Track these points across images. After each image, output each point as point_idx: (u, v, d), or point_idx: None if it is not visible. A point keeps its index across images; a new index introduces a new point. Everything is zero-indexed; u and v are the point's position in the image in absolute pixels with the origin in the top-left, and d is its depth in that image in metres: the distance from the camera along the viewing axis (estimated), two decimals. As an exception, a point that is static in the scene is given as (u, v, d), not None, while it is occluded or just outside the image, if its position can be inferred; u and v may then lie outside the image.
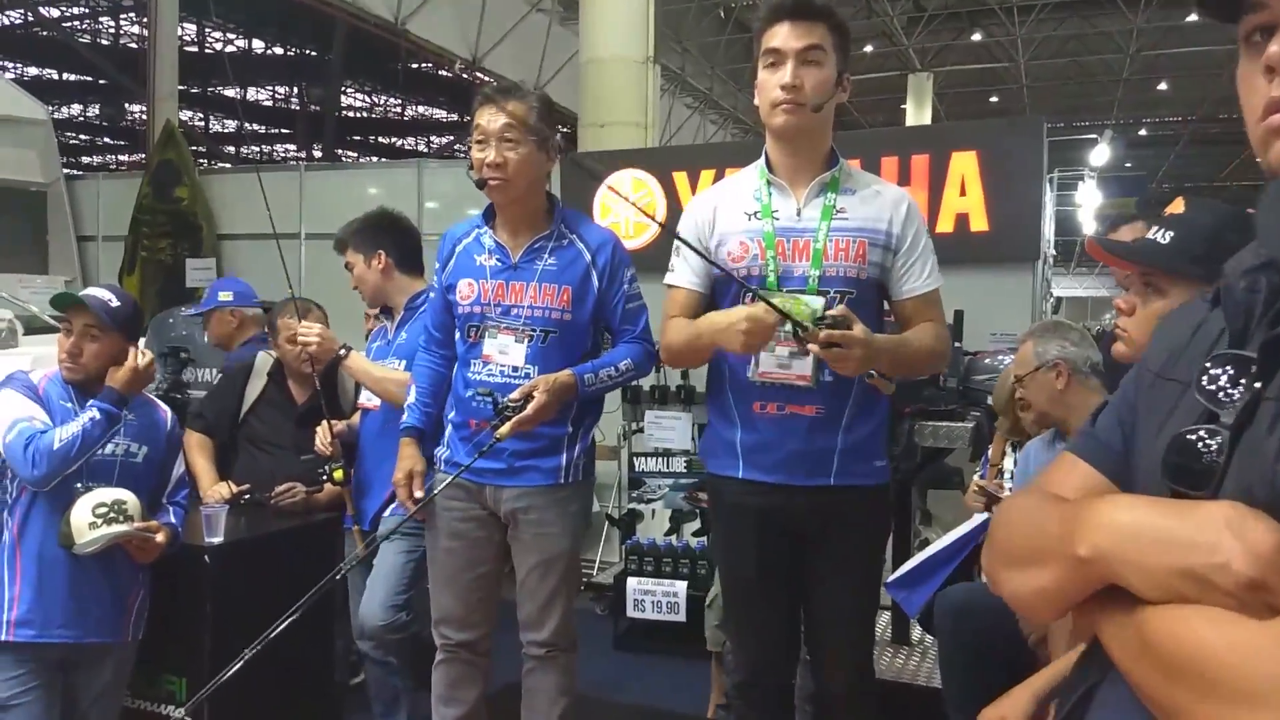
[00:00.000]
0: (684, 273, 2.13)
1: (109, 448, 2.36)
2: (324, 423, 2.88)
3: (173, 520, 2.48)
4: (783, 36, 1.95)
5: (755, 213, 2.05)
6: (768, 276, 2.01)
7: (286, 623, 1.69)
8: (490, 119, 2.24)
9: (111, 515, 2.25)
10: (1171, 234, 1.31)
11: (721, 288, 2.11)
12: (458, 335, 2.40)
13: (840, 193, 2.04)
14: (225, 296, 3.84)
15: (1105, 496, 0.85)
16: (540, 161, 2.31)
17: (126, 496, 2.30)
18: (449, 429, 2.41)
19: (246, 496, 3.01)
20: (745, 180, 2.13)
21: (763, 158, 2.10)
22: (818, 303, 1.96)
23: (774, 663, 2.17)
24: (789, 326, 1.86)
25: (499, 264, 2.34)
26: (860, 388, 2.01)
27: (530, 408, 2.18)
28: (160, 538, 2.38)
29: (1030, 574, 0.87)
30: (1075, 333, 2.57)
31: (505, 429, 2.17)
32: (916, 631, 3.56)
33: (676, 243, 2.12)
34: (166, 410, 2.57)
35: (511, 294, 2.31)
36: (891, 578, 2.90)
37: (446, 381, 2.44)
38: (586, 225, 2.43)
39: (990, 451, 3.06)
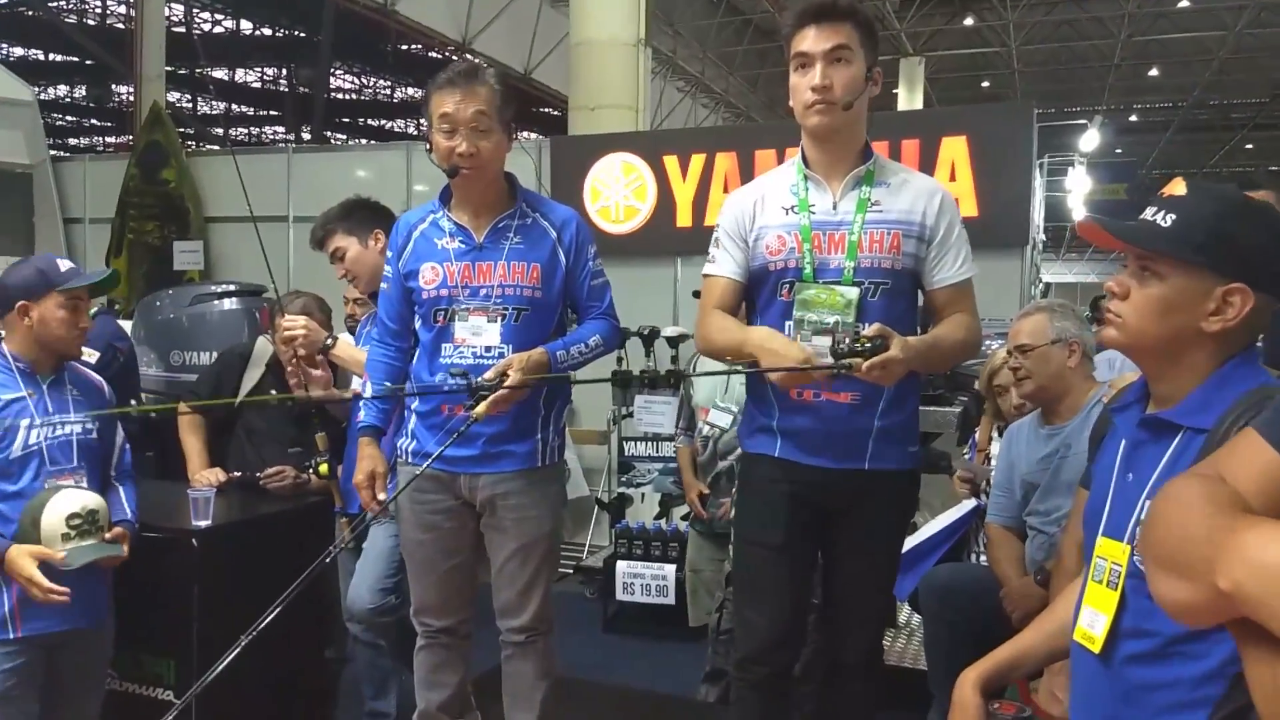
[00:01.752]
0: (726, 263, 2.17)
1: (66, 427, 2.33)
2: (320, 434, 2.88)
3: (126, 510, 2.44)
4: (810, 40, 2.01)
5: (792, 207, 2.10)
6: (804, 269, 2.07)
7: (280, 606, 1.69)
8: (459, 106, 2.22)
9: (85, 527, 2.21)
10: (1173, 217, 1.28)
11: (757, 280, 2.15)
12: (419, 323, 2.37)
13: (875, 185, 2.09)
14: None
15: (1257, 525, 0.79)
16: (505, 144, 2.31)
17: (97, 504, 2.26)
18: (413, 420, 2.38)
19: (237, 474, 3.00)
20: (783, 175, 2.18)
21: (799, 154, 2.15)
22: (853, 293, 2.03)
23: (784, 637, 2.18)
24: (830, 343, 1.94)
25: (463, 245, 2.32)
26: None
27: (505, 385, 2.17)
28: (124, 549, 2.35)
29: (1174, 583, 0.83)
30: (1079, 319, 2.60)
31: (481, 408, 2.14)
32: (903, 615, 3.59)
33: (716, 233, 2.19)
34: (100, 379, 2.53)
35: (479, 274, 2.30)
36: None
37: (404, 375, 2.41)
38: (547, 204, 2.44)
39: (977, 435, 3.08)
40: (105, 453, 2.47)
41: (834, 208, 2.09)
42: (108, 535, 2.30)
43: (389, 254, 2.41)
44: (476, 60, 2.45)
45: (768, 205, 2.14)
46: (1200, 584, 0.78)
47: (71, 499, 2.23)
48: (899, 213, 2.07)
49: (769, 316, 2.14)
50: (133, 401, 3.61)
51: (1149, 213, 1.31)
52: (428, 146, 2.33)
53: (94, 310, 3.48)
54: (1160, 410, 1.31)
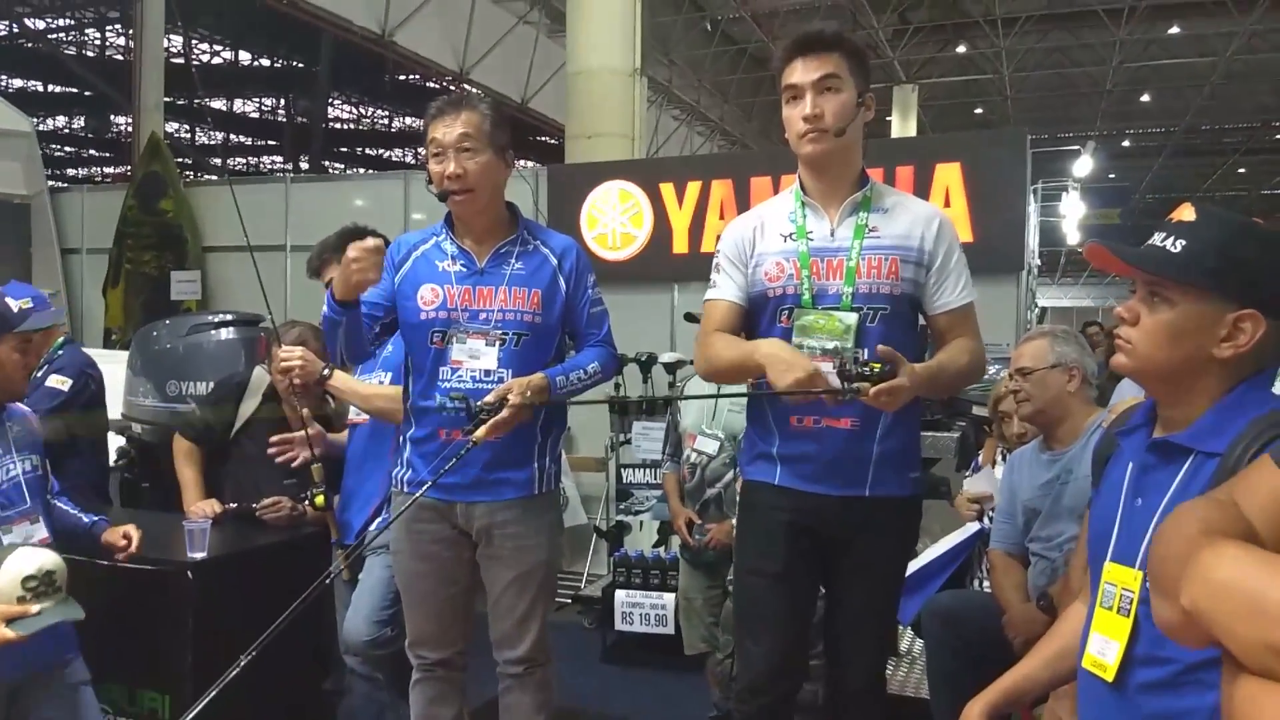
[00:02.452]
0: (728, 287, 2.18)
1: (19, 466, 2.29)
2: (316, 466, 2.86)
3: (82, 517, 2.51)
4: (799, 71, 2.04)
5: (790, 234, 2.12)
6: (803, 295, 2.08)
7: (276, 631, 1.67)
8: (445, 131, 2.24)
9: (41, 589, 2.11)
10: (1183, 243, 1.27)
11: (756, 307, 2.15)
12: (412, 349, 2.36)
13: (872, 211, 2.10)
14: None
15: (1215, 544, 0.80)
16: (499, 168, 2.32)
17: (54, 564, 2.15)
18: (408, 449, 2.37)
19: (233, 505, 2.99)
20: (782, 203, 2.19)
21: (797, 182, 2.17)
22: (851, 319, 2.05)
23: (784, 667, 2.16)
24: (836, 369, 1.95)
25: (464, 269, 2.33)
26: None
27: (506, 409, 2.16)
28: (135, 540, 2.40)
29: (1159, 602, 0.84)
30: (1081, 344, 2.60)
31: (481, 431, 2.14)
32: (905, 642, 3.57)
33: (716, 259, 2.20)
34: (26, 408, 2.49)
35: (479, 298, 2.30)
36: None
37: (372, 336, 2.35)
38: (547, 232, 2.46)
39: (981, 458, 3.08)
40: (46, 483, 2.45)
41: (831, 234, 2.10)
42: (121, 543, 2.32)
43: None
44: (475, 90, 2.45)
45: (767, 232, 2.15)
46: (1174, 603, 0.79)
47: (27, 560, 2.12)
48: (896, 238, 2.08)
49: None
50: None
51: (1158, 238, 1.30)
52: (428, 178, 2.34)
53: (61, 340, 3.47)
54: (1170, 434, 1.30)
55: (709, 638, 3.37)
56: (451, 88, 12.60)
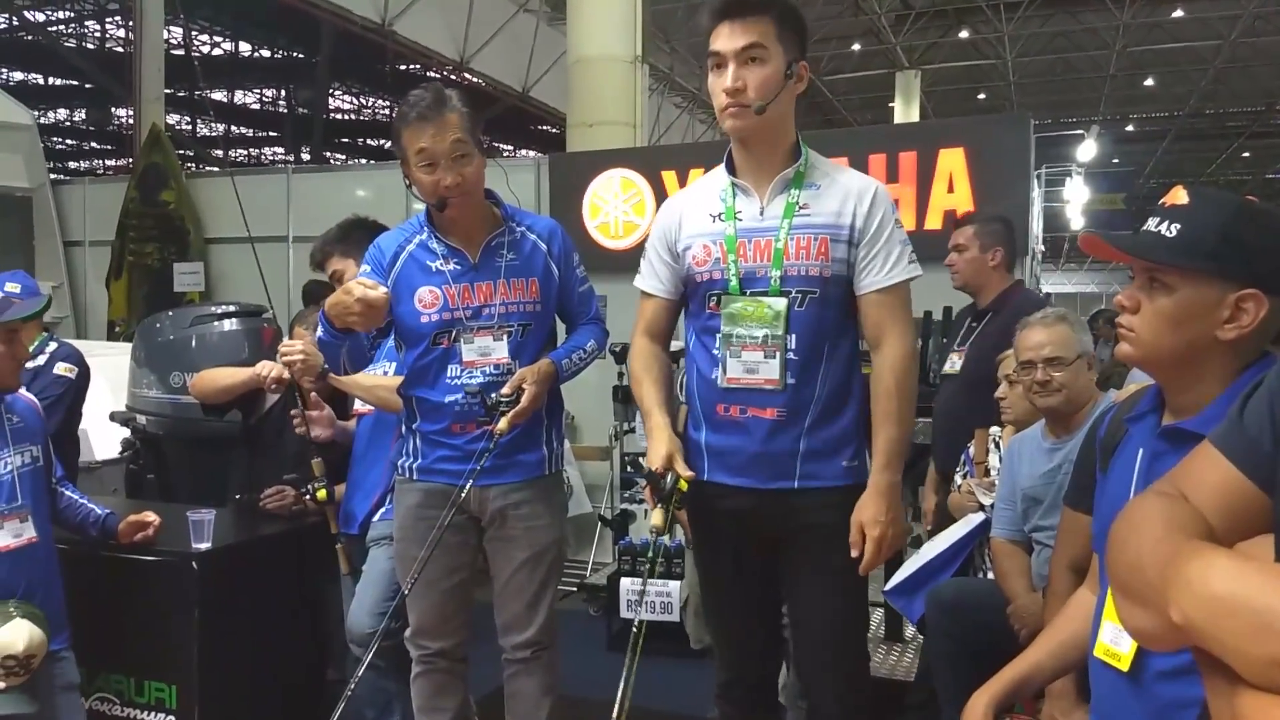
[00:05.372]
0: (650, 278, 2.12)
1: (15, 460, 2.30)
2: (317, 460, 2.86)
3: (93, 507, 2.52)
4: (724, 38, 1.90)
5: (719, 214, 2.01)
6: (730, 281, 1.97)
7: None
8: (434, 140, 2.19)
9: (17, 670, 2.12)
10: (1178, 227, 1.25)
11: (689, 290, 2.08)
12: (410, 349, 2.33)
13: (804, 188, 1.98)
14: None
15: (1200, 554, 0.76)
16: (483, 162, 2.30)
17: (35, 646, 2.16)
18: (416, 438, 2.35)
19: (237, 496, 2.99)
20: (712, 181, 2.08)
21: (726, 156, 2.05)
22: (780, 304, 1.94)
23: (752, 662, 2.15)
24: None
25: (459, 267, 2.30)
26: (827, 390, 1.98)
27: (524, 399, 2.19)
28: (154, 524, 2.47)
29: (1133, 610, 0.80)
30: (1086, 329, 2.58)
31: (504, 423, 2.18)
32: (910, 628, 3.56)
33: (647, 243, 2.14)
34: (31, 396, 2.50)
35: (479, 295, 2.29)
36: (889, 585, 2.88)
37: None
38: (530, 216, 2.46)
39: (973, 449, 3.04)
40: (48, 472, 2.45)
41: (761, 214, 1.98)
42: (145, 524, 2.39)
43: (366, 268, 2.34)
44: (438, 84, 2.41)
45: (695, 213, 2.04)
46: (1157, 613, 0.76)
47: (16, 635, 2.14)
48: (827, 216, 1.95)
49: (695, 328, 2.08)
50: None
51: (1152, 224, 1.29)
52: (407, 182, 2.30)
53: (45, 335, 3.44)
54: (1180, 420, 1.29)
55: None
56: (453, 77, 12.56)
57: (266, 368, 2.78)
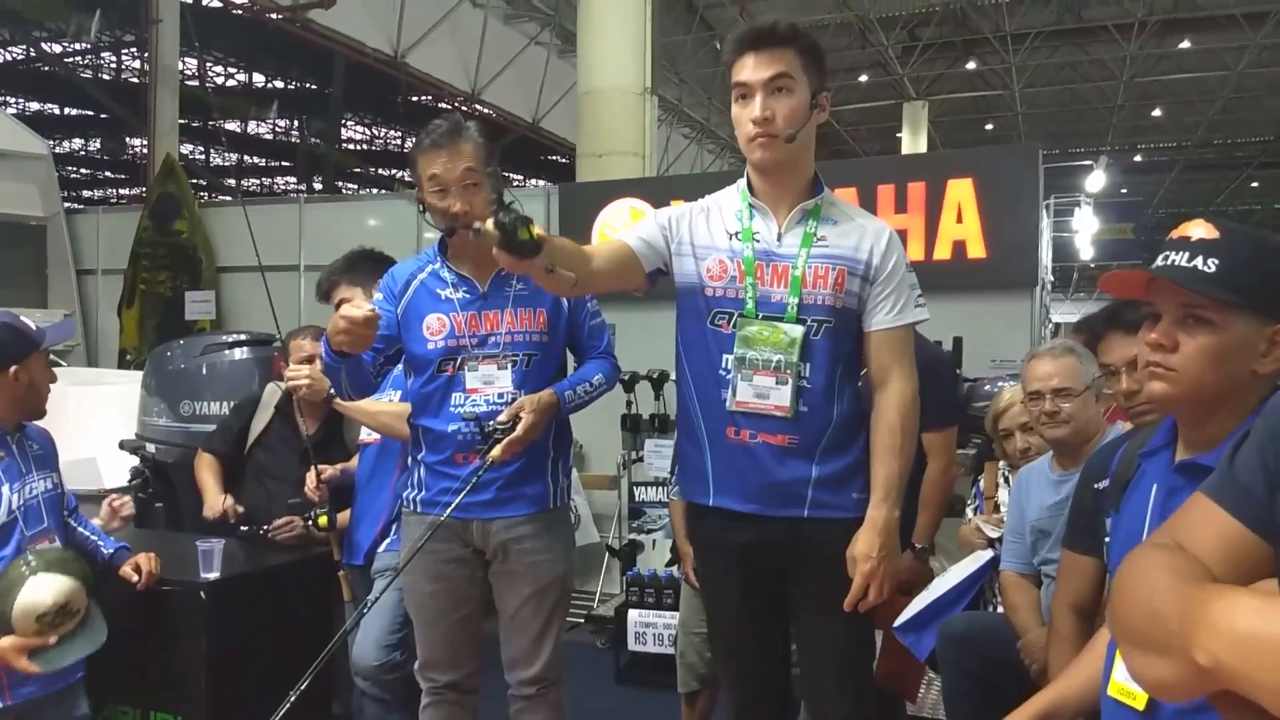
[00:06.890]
0: (637, 240, 2.03)
1: (40, 485, 2.30)
2: (312, 468, 2.87)
3: (106, 541, 2.51)
4: (749, 69, 1.92)
5: (737, 233, 2.01)
6: (746, 302, 1.97)
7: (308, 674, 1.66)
8: (446, 167, 2.22)
9: (56, 620, 2.13)
10: (1216, 261, 1.24)
11: (687, 303, 2.04)
12: (417, 376, 2.33)
13: (821, 221, 2.00)
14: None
15: (1224, 595, 0.76)
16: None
17: (68, 594, 2.16)
18: (420, 469, 2.35)
19: (244, 528, 2.99)
20: (728, 200, 2.08)
21: (744, 180, 2.06)
22: (797, 331, 1.94)
23: (766, 697, 2.12)
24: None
25: (467, 295, 2.31)
26: (839, 419, 1.97)
27: (520, 427, 2.17)
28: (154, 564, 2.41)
29: (1150, 661, 0.79)
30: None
31: (497, 451, 2.15)
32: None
33: (650, 214, 2.11)
34: (44, 426, 2.49)
35: (486, 323, 2.29)
36: (899, 621, 2.85)
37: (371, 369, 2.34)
38: None
39: (983, 483, 3.01)
40: (63, 500, 2.45)
41: (778, 239, 1.99)
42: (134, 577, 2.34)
43: (378, 295, 2.37)
44: (458, 115, 2.42)
45: (712, 224, 2.04)
46: (1178, 660, 0.75)
47: (38, 592, 2.13)
48: (845, 249, 1.97)
49: (698, 344, 2.01)
50: None
51: (1181, 258, 1.27)
52: (420, 207, 2.33)
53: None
54: (1198, 455, 1.28)
55: (705, 676, 3.15)
56: (464, 108, 12.67)
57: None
